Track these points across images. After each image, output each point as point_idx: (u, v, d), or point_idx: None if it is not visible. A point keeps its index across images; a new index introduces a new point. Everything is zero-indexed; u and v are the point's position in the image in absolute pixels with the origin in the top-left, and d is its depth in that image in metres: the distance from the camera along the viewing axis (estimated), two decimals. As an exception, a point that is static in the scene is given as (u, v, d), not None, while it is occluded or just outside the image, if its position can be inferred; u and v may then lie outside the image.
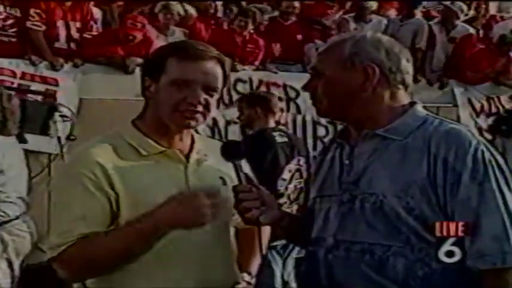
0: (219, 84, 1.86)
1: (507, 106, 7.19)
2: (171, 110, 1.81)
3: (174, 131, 1.87)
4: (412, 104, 1.88)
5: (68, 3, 6.11)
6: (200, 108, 1.82)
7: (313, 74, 1.90)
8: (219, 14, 7.41)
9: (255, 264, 2.03)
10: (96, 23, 6.42)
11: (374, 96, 1.83)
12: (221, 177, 1.90)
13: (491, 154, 1.75)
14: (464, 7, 7.77)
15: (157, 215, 1.74)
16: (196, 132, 1.99)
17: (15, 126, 3.81)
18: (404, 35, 7.26)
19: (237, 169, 1.83)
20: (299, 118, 6.55)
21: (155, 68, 1.84)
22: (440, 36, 7.60)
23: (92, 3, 6.49)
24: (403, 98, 1.88)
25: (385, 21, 7.71)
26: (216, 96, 1.87)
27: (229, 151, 1.86)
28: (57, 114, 4.91)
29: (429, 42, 7.53)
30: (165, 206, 1.74)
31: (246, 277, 1.98)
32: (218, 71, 1.85)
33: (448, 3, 7.73)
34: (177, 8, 6.63)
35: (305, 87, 1.93)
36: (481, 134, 6.19)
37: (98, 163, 1.77)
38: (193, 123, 1.84)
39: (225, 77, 1.88)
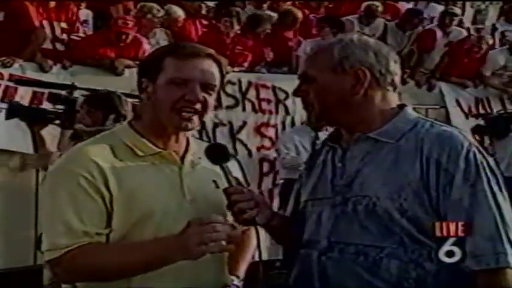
0: (217, 82, 1.86)
1: (496, 108, 7.25)
2: (169, 108, 1.81)
3: (171, 132, 1.87)
4: (402, 106, 1.90)
5: (52, 4, 6.04)
6: (198, 106, 1.82)
7: (303, 79, 1.90)
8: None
9: (244, 267, 2.04)
10: (82, 24, 6.35)
11: (365, 99, 1.84)
12: (214, 181, 1.91)
13: (483, 156, 1.77)
14: (458, 10, 7.84)
15: (169, 243, 1.71)
16: None
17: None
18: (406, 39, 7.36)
19: (225, 171, 1.84)
20: (288, 120, 6.55)
21: (152, 69, 1.84)
22: (442, 41, 7.67)
23: (83, 4, 6.43)
24: (393, 99, 1.89)
25: (383, 22, 7.70)
26: (214, 95, 1.87)
27: (215, 154, 1.87)
28: None
29: (429, 45, 7.58)
30: (176, 237, 1.70)
31: (235, 280, 1.98)
32: (215, 69, 1.85)
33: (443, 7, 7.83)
34: (156, 9, 6.54)
35: (295, 93, 1.93)
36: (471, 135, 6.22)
37: (95, 162, 1.77)
38: (190, 125, 1.83)
39: (222, 76, 1.88)
